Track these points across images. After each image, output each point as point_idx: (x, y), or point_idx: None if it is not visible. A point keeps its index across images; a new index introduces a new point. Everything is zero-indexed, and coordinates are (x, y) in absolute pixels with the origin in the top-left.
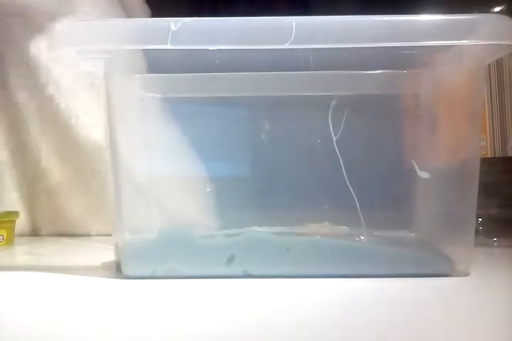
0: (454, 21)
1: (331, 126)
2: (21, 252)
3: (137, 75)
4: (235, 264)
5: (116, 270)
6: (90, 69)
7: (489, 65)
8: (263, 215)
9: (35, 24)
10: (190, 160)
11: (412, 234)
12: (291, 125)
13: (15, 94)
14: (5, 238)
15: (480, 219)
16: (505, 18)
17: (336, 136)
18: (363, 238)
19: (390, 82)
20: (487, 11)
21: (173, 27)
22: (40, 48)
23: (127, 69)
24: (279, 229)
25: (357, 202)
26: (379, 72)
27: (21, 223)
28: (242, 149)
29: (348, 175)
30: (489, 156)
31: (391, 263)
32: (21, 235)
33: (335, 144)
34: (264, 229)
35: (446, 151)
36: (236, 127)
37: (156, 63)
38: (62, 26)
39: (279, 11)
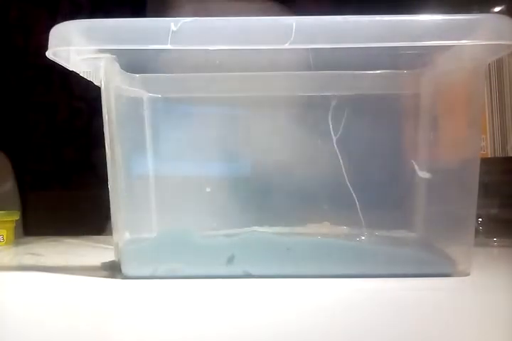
0: (454, 21)
1: (331, 126)
2: (21, 252)
3: (137, 75)
4: (235, 264)
5: (116, 270)
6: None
7: (489, 65)
8: (263, 215)
9: None
10: (190, 160)
11: (412, 234)
12: (291, 125)
13: None
14: (5, 238)
15: (480, 219)
16: (505, 18)
17: (335, 136)
18: (363, 238)
19: (390, 82)
20: (487, 11)
21: (173, 27)
22: None
23: (127, 69)
24: (279, 229)
25: (357, 202)
26: (379, 72)
27: None
28: (242, 149)
29: (348, 175)
30: (489, 156)
31: (391, 263)
32: None
33: (335, 144)
34: (265, 229)
35: (446, 151)
36: (236, 127)
37: (156, 63)
38: (61, 26)
39: None
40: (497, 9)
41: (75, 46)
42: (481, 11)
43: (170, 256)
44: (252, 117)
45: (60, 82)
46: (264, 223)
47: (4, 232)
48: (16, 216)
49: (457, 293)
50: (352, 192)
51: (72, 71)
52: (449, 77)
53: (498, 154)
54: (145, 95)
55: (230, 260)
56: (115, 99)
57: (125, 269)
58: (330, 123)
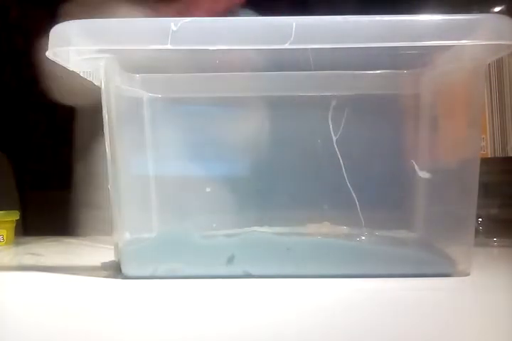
0: (454, 21)
1: (331, 126)
2: (21, 252)
3: (137, 75)
4: (235, 264)
5: (116, 270)
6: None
7: (489, 65)
8: (263, 215)
9: None
10: (190, 160)
11: (412, 234)
12: (291, 125)
13: None
14: (5, 238)
15: (480, 219)
16: (505, 18)
17: (335, 136)
18: (363, 238)
19: (390, 82)
20: (487, 11)
21: (173, 27)
22: None
23: (127, 69)
24: (279, 229)
25: (357, 202)
26: (379, 72)
27: None
28: (242, 149)
29: (348, 175)
30: (489, 156)
31: (391, 263)
32: None
33: (335, 144)
34: (265, 229)
35: (446, 151)
36: (235, 127)
37: (156, 63)
38: (61, 26)
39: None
40: (497, 9)
41: (75, 46)
42: (481, 11)
43: (170, 256)
44: (251, 117)
45: None
46: (264, 223)
47: (4, 232)
48: (15, 216)
49: (457, 293)
50: (352, 192)
51: (72, 71)
52: (449, 77)
53: (498, 154)
54: (145, 95)
55: (230, 260)
56: (115, 99)
57: (125, 269)
58: (330, 123)
